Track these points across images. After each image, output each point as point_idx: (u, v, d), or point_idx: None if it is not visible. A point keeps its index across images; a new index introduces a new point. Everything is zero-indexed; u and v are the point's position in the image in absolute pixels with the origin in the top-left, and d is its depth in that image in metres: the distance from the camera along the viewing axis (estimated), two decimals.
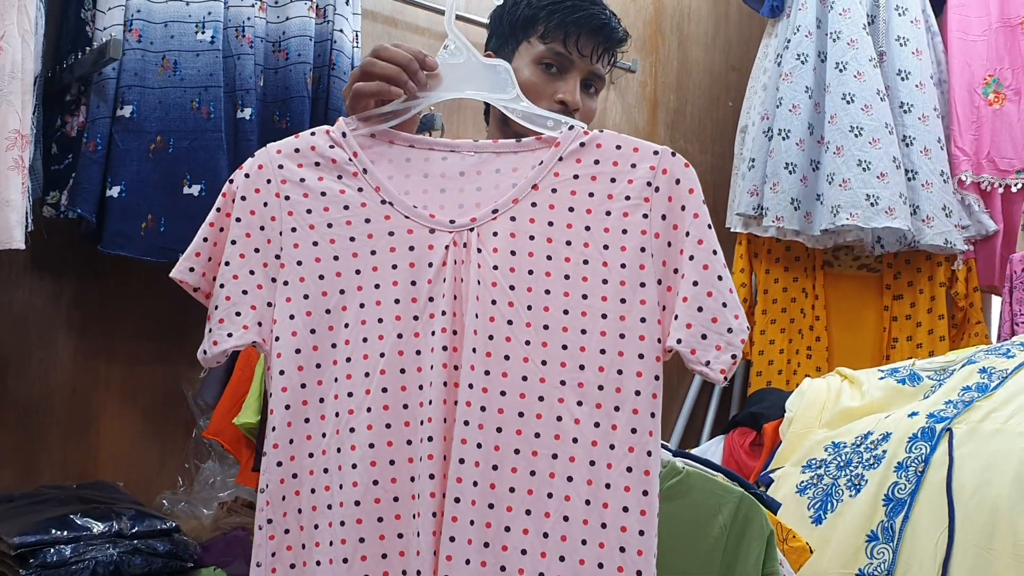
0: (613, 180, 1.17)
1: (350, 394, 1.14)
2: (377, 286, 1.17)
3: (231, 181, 1.19)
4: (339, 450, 1.13)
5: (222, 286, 1.16)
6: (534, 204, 1.18)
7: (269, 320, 1.16)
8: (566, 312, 1.15)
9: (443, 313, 1.14)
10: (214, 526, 1.99)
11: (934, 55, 2.99)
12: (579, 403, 1.12)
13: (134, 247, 1.95)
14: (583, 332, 1.14)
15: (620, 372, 1.13)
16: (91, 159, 1.94)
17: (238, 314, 1.15)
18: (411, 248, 1.17)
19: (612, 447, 1.11)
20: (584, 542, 1.10)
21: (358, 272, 1.17)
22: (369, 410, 1.14)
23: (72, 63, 1.99)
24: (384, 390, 1.14)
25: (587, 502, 1.11)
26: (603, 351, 1.13)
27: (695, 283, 1.13)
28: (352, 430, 1.14)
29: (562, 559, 1.10)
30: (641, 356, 1.13)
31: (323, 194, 1.18)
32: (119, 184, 1.93)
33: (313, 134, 1.21)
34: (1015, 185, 2.92)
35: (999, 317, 2.76)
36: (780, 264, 3.09)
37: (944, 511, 1.54)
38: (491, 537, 1.10)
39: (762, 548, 1.44)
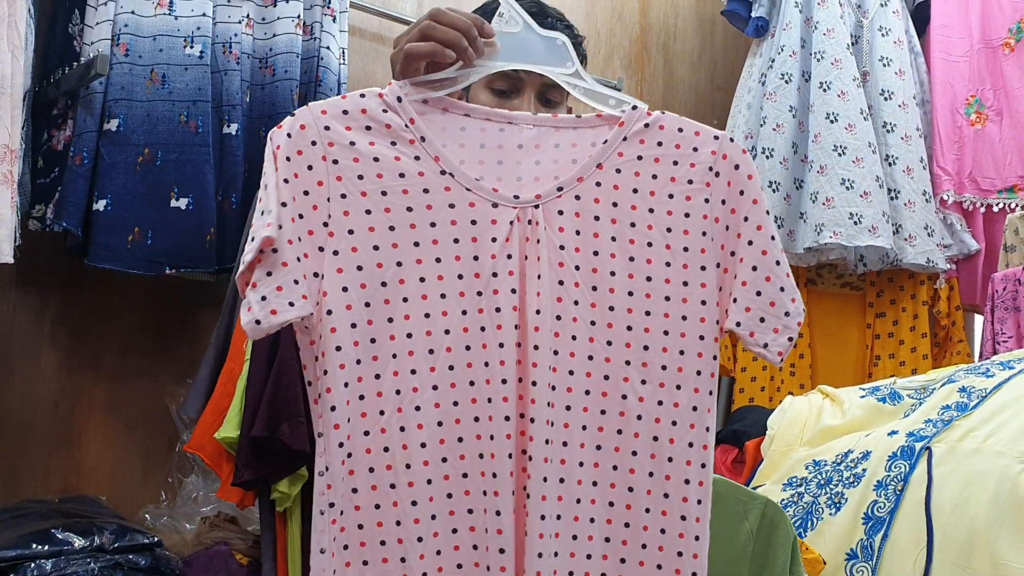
0: (675, 163, 1.17)
1: (413, 371, 1.11)
2: (438, 260, 1.13)
3: (270, 139, 1.11)
4: (403, 429, 1.10)
5: (276, 251, 1.07)
6: (599, 184, 1.16)
7: (315, 292, 1.09)
8: (631, 294, 1.16)
9: (512, 291, 1.12)
10: (196, 541, 1.99)
11: (917, 75, 3.02)
12: (643, 382, 1.15)
13: (120, 260, 1.95)
14: (647, 314, 1.16)
15: (682, 353, 1.15)
16: (77, 173, 1.94)
17: (296, 282, 1.07)
18: (473, 222, 1.14)
19: (674, 423, 1.15)
20: (648, 510, 1.15)
21: (416, 244, 1.12)
22: (435, 388, 1.12)
23: (59, 78, 1.99)
24: (451, 367, 1.12)
25: (650, 474, 1.15)
26: (666, 332, 1.16)
27: (754, 268, 1.15)
28: (418, 408, 1.11)
29: (627, 525, 1.15)
30: (702, 337, 1.16)
31: (376, 160, 1.12)
32: (105, 197, 1.94)
33: (363, 96, 1.14)
34: (996, 205, 2.95)
35: (981, 336, 2.78)
36: None
37: (923, 530, 1.55)
38: (563, 509, 1.13)
39: (788, 554, 1.46)
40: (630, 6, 3.31)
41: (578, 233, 1.15)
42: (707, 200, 1.17)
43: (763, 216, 1.16)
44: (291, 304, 1.07)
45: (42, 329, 2.20)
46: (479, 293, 1.13)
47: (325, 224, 1.10)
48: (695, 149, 1.17)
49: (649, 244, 1.16)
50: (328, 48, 2.24)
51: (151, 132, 1.99)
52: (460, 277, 1.13)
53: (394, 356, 1.12)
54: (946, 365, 2.90)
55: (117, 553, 1.82)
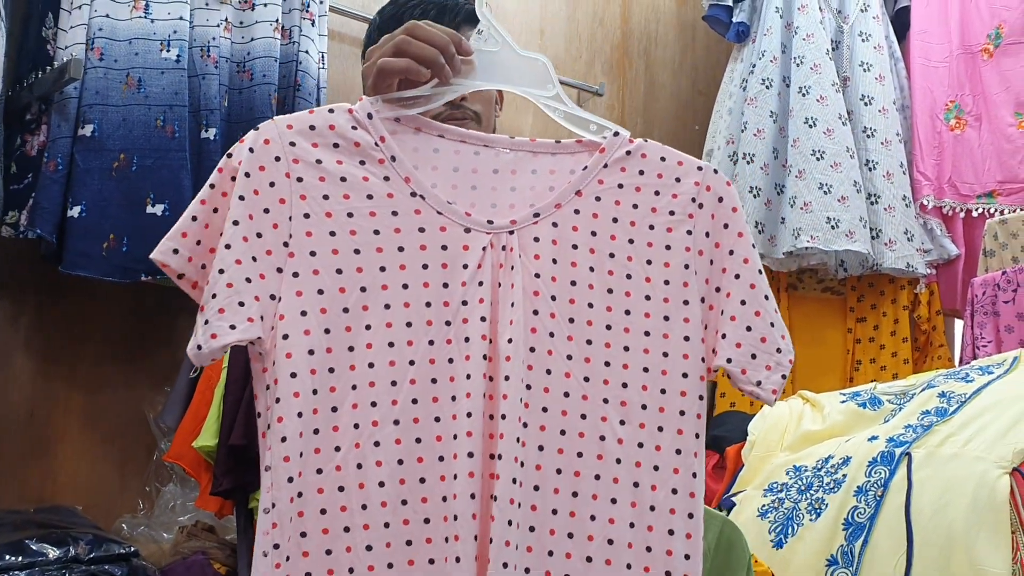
0: (657, 193, 1.12)
1: (374, 404, 1.04)
2: (405, 286, 1.06)
3: (230, 155, 1.05)
4: (360, 466, 1.03)
5: (222, 271, 1.01)
6: (577, 211, 1.11)
7: (271, 314, 1.02)
8: (608, 327, 1.09)
9: (483, 320, 1.06)
10: (174, 551, 1.96)
11: (897, 81, 3.03)
12: (622, 422, 1.07)
13: (95, 267, 1.93)
14: (626, 349, 1.09)
15: (663, 391, 1.08)
16: (51, 179, 1.92)
17: (241, 304, 1.00)
18: (444, 247, 1.07)
19: (656, 468, 1.07)
20: (629, 566, 1.06)
21: (383, 269, 1.06)
22: (397, 422, 1.04)
23: (33, 82, 1.97)
24: (415, 401, 1.05)
25: (631, 524, 1.06)
26: (646, 369, 1.09)
27: (743, 302, 1.10)
28: (377, 444, 1.03)
29: None
30: (685, 375, 1.09)
31: (343, 179, 1.06)
32: (79, 204, 1.92)
33: (331, 111, 1.08)
34: (975, 210, 2.96)
35: (961, 340, 2.79)
36: None
37: (903, 535, 1.55)
38: (533, 562, 1.04)
39: (743, 571, 1.45)
40: (611, 11, 3.31)
41: (555, 262, 1.09)
42: (690, 232, 1.11)
43: (749, 250, 1.11)
44: (232, 327, 1.00)
45: (17, 336, 2.17)
46: (447, 322, 1.06)
47: (286, 244, 1.04)
48: (678, 180, 1.13)
49: (628, 276, 1.11)
50: (307, 52, 2.23)
51: (127, 137, 1.97)
52: (428, 305, 1.06)
53: (354, 387, 1.04)
54: (927, 369, 2.91)
55: (93, 564, 1.80)
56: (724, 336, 1.10)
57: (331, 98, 2.41)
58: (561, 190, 1.11)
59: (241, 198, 1.03)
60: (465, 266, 1.08)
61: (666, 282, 1.11)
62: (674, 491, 1.07)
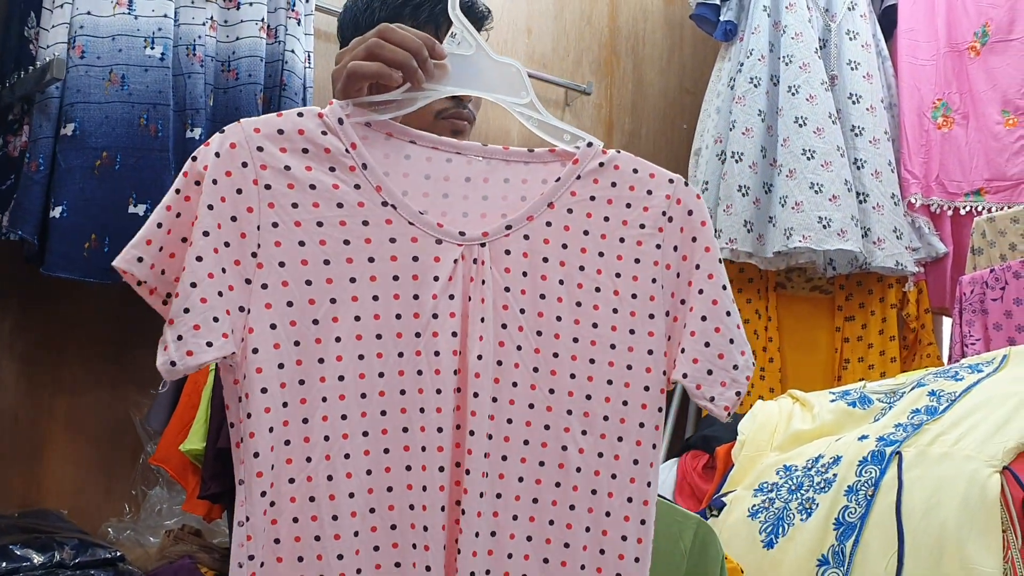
0: (628, 206, 1.13)
1: (344, 416, 1.04)
2: (375, 298, 1.05)
3: (195, 159, 1.02)
4: (330, 478, 1.03)
5: (194, 285, 0.98)
6: (549, 224, 1.11)
7: (241, 327, 1.01)
8: (575, 340, 1.11)
9: (453, 335, 1.07)
10: (160, 555, 1.95)
11: (885, 79, 3.03)
12: (584, 432, 1.11)
13: (77, 269, 1.91)
14: (591, 362, 1.11)
15: (625, 403, 1.11)
16: (33, 180, 1.90)
17: (216, 320, 0.98)
18: (415, 258, 1.07)
19: (614, 476, 1.11)
20: (583, 567, 1.10)
21: (353, 280, 1.05)
22: (366, 434, 1.05)
23: (15, 82, 1.95)
24: (383, 413, 1.05)
25: (587, 529, 1.10)
26: (610, 381, 1.11)
27: (703, 318, 1.11)
28: (347, 456, 1.04)
29: None
30: (647, 388, 1.12)
31: (312, 187, 1.04)
32: (61, 204, 1.89)
33: (301, 115, 1.06)
34: (963, 208, 2.97)
35: (950, 338, 2.79)
36: (733, 286, 3.08)
37: (893, 534, 1.55)
38: (493, 564, 1.08)
39: (717, 571, 1.49)
40: (599, 10, 3.30)
41: (525, 275, 1.10)
42: (659, 246, 1.13)
43: (715, 265, 1.12)
44: (209, 344, 0.98)
45: (1, 339, 2.15)
46: (417, 335, 1.06)
47: (254, 255, 1.02)
48: (649, 192, 1.13)
49: (597, 289, 1.12)
50: (293, 52, 2.21)
51: (109, 135, 1.95)
52: (398, 317, 1.06)
53: (324, 399, 1.04)
54: (915, 368, 2.91)
55: (78, 569, 1.78)
56: (683, 351, 1.12)
57: (317, 97, 2.39)
58: (534, 201, 1.12)
59: (210, 207, 1.00)
60: (436, 278, 1.07)
61: (633, 296, 1.12)
62: (629, 499, 1.11)
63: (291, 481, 1.03)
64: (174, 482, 2.10)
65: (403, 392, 1.06)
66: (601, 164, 1.14)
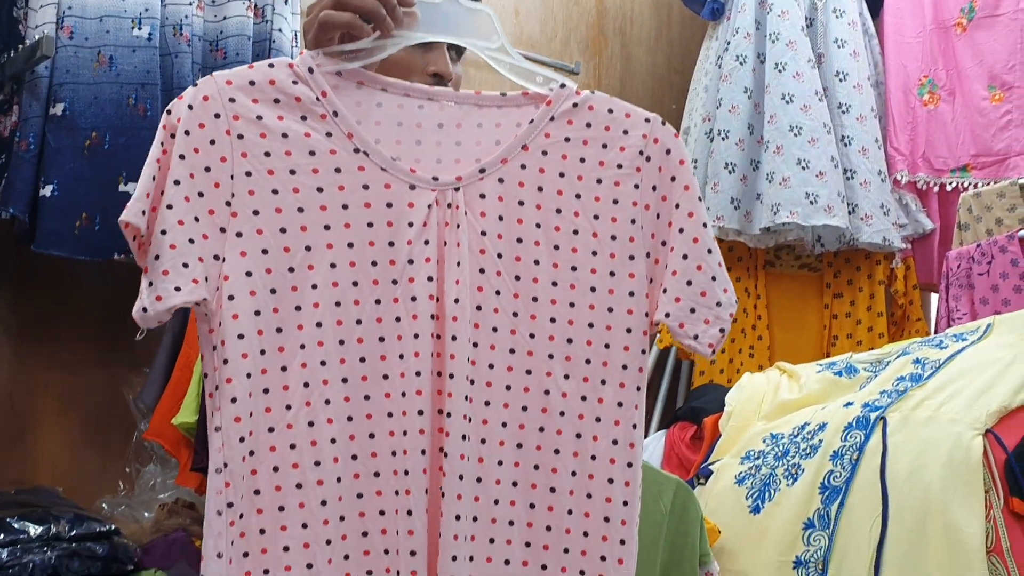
0: (605, 146, 1.12)
1: (323, 363, 1.05)
2: (351, 245, 1.06)
3: (169, 112, 1.04)
4: (311, 424, 1.04)
5: (164, 232, 1.00)
6: (524, 166, 1.11)
7: (216, 275, 1.02)
8: (555, 284, 1.11)
9: (429, 279, 1.06)
10: (154, 528, 1.97)
11: (871, 56, 3.05)
12: (566, 376, 1.11)
13: (68, 246, 1.92)
14: (571, 305, 1.11)
15: (607, 346, 1.11)
16: (23, 158, 1.91)
17: (185, 265, 1.00)
18: (389, 205, 1.07)
19: (598, 420, 1.11)
20: (570, 512, 1.10)
21: (327, 228, 1.05)
22: (345, 380, 1.05)
23: (4, 62, 1.96)
24: (363, 359, 1.06)
25: (573, 473, 1.10)
26: (591, 325, 1.11)
27: (685, 256, 1.10)
28: (327, 402, 1.05)
29: (548, 528, 1.10)
30: (629, 330, 1.11)
31: (284, 136, 1.05)
32: (52, 183, 1.91)
33: (271, 66, 1.06)
34: (949, 184, 2.98)
35: (936, 314, 2.81)
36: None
37: (878, 498, 1.57)
38: (480, 510, 1.08)
39: (697, 531, 1.52)
40: None
41: (501, 218, 1.10)
42: (637, 186, 1.12)
43: (695, 203, 1.12)
44: (177, 289, 1.00)
45: None
46: (394, 281, 1.07)
47: (228, 203, 1.03)
48: (625, 132, 1.13)
49: (575, 232, 1.11)
50: (280, 31, 2.22)
51: (98, 115, 1.96)
52: (374, 264, 1.07)
53: (302, 347, 1.05)
54: None
55: (74, 541, 1.80)
56: (665, 291, 1.11)
57: None
58: (507, 144, 1.11)
59: (182, 157, 1.02)
60: (411, 224, 1.07)
61: (612, 237, 1.12)
62: (614, 442, 1.11)
63: (271, 430, 1.04)
64: (168, 459, 2.12)
65: (382, 340, 1.07)
66: (575, 105, 1.13)
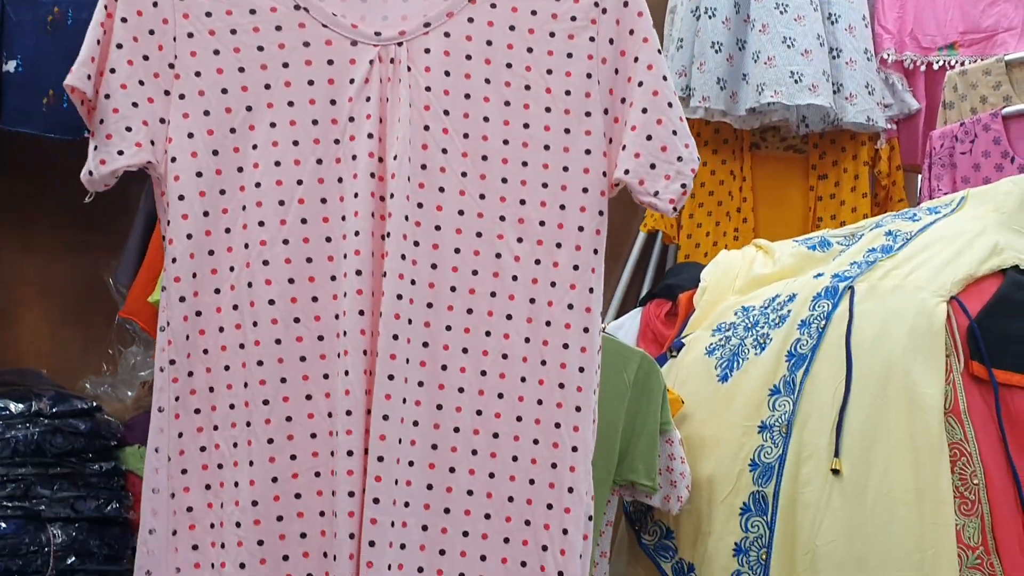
0: None
1: (262, 223, 1.05)
2: (291, 104, 1.05)
3: None
4: (250, 285, 1.05)
5: (107, 96, 1.01)
6: (471, 19, 1.07)
7: (162, 138, 1.03)
8: (506, 142, 1.08)
9: (369, 136, 1.04)
10: (136, 406, 2.00)
11: None
12: (519, 239, 1.08)
13: (35, 124, 1.91)
14: (524, 164, 1.08)
15: (563, 207, 1.08)
16: None
17: (128, 129, 1.02)
18: (330, 62, 1.05)
19: (553, 284, 1.09)
20: (523, 379, 1.08)
21: (268, 87, 1.05)
22: (286, 242, 1.05)
23: None
24: (303, 221, 1.05)
25: (526, 339, 1.09)
26: (545, 185, 1.08)
27: (644, 110, 1.07)
28: (266, 263, 1.05)
29: (500, 396, 1.08)
30: (585, 190, 1.08)
31: None
32: (15, 58, 1.88)
33: None
34: (936, 63, 2.94)
35: (919, 193, 2.80)
36: (708, 147, 3.09)
37: (842, 364, 1.59)
38: (426, 375, 1.06)
39: (659, 401, 1.56)
40: None
41: (447, 74, 1.06)
42: (592, 39, 1.08)
43: (654, 55, 1.08)
44: (120, 153, 1.01)
45: None
46: (336, 140, 1.05)
47: (171, 66, 1.03)
48: None
49: (527, 87, 1.08)
50: None
51: None
52: (315, 123, 1.05)
53: (243, 208, 1.05)
54: None
55: (56, 418, 1.83)
56: (624, 147, 1.08)
57: None
58: None
59: (124, 20, 1.02)
60: (352, 81, 1.05)
61: (567, 93, 1.08)
62: (570, 306, 1.09)
63: (216, 291, 1.06)
64: (151, 340, 2.14)
65: (324, 200, 1.06)
66: None
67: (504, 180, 1.09)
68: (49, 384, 2.01)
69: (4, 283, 2.21)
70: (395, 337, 1.05)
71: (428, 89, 1.07)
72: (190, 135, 1.04)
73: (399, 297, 1.05)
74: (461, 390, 1.08)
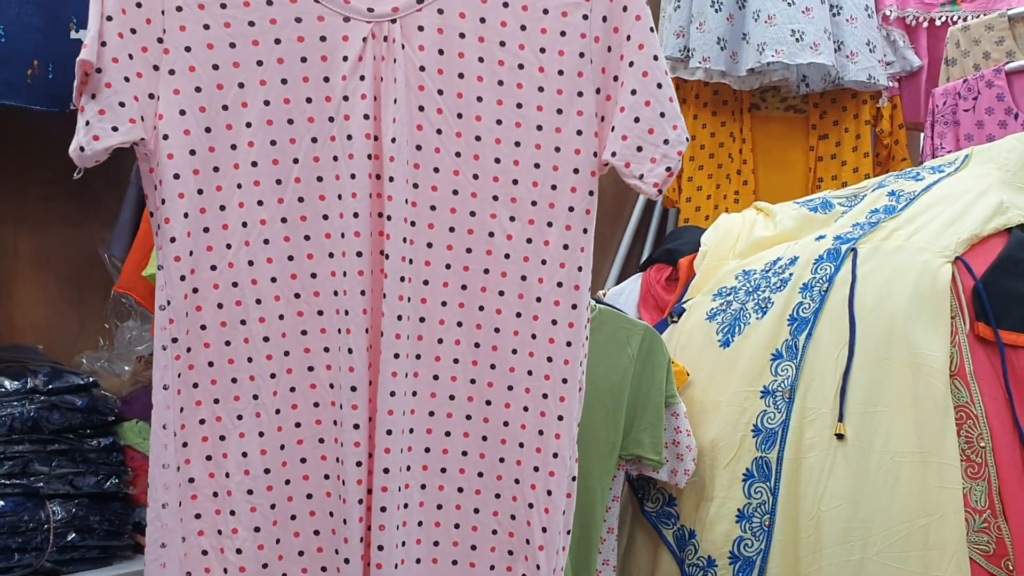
0: None
1: (260, 202, 1.05)
2: (284, 81, 1.04)
3: None
4: (251, 263, 1.06)
5: (100, 70, 0.99)
6: None
7: (152, 115, 1.02)
8: (499, 122, 1.08)
9: (366, 117, 1.04)
10: (133, 380, 1.99)
11: None
12: (512, 219, 1.10)
13: (20, 96, 1.87)
14: (517, 144, 1.08)
15: (554, 187, 1.09)
16: None
17: (122, 104, 1.00)
18: (322, 38, 1.04)
19: (544, 263, 1.11)
20: (515, 351, 1.12)
21: (260, 64, 1.03)
22: (284, 220, 1.06)
23: None
24: (301, 199, 1.06)
25: (518, 315, 1.12)
26: (537, 165, 1.09)
27: (633, 91, 1.07)
28: (267, 242, 1.06)
29: (493, 367, 1.12)
30: (576, 171, 1.09)
31: None
32: None
33: None
34: (939, 18, 2.90)
35: (922, 152, 2.77)
36: (708, 109, 3.06)
37: (845, 327, 1.57)
38: (424, 348, 1.10)
39: (663, 374, 1.55)
40: None
41: (441, 52, 1.06)
42: (586, 17, 1.07)
43: (646, 33, 1.07)
44: (115, 128, 1.00)
45: None
46: (331, 119, 1.04)
47: (160, 40, 1.01)
48: None
49: (520, 66, 1.07)
50: None
51: None
52: (309, 100, 1.04)
53: (239, 186, 1.04)
54: None
55: (52, 395, 1.81)
56: (613, 129, 1.09)
57: None
58: None
59: None
60: (345, 58, 1.04)
61: (560, 72, 1.08)
62: (559, 284, 1.12)
63: (213, 268, 1.06)
64: (148, 315, 2.12)
65: (320, 179, 1.06)
66: None
67: (497, 160, 1.09)
68: (45, 360, 1.99)
69: None
70: (399, 317, 1.07)
71: (422, 68, 1.06)
72: (182, 112, 1.03)
73: (402, 279, 1.07)
74: (456, 361, 1.12)
